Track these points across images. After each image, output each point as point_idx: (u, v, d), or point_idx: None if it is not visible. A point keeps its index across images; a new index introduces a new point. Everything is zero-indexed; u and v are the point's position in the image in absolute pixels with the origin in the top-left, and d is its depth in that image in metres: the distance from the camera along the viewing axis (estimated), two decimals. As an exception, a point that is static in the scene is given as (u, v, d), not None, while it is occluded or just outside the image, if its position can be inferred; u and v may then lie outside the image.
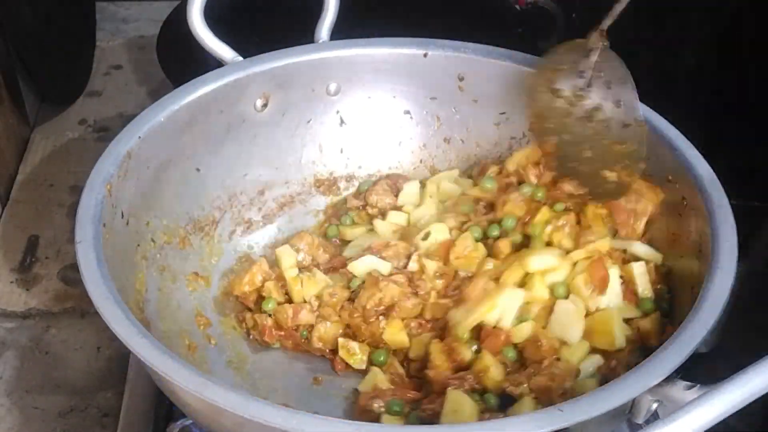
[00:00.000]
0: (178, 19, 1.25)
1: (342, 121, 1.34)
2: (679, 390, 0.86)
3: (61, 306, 1.47)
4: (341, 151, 1.36)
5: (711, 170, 1.09)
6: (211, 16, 1.24)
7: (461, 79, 1.31)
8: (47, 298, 1.49)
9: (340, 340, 1.16)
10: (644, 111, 1.17)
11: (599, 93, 1.15)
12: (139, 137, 1.12)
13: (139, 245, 1.12)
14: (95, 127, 1.88)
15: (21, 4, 1.72)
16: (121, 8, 2.28)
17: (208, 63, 1.27)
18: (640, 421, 0.91)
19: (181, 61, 1.39)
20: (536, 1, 2.02)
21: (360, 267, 1.19)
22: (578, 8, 1.83)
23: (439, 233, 1.21)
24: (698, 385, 0.85)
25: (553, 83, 1.17)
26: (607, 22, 1.14)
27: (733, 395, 0.80)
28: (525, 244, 1.18)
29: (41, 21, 1.80)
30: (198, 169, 1.23)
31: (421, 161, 1.38)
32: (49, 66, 1.85)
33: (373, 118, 1.35)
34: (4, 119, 1.72)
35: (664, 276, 1.14)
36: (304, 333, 1.17)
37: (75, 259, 0.97)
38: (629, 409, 0.89)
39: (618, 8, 1.12)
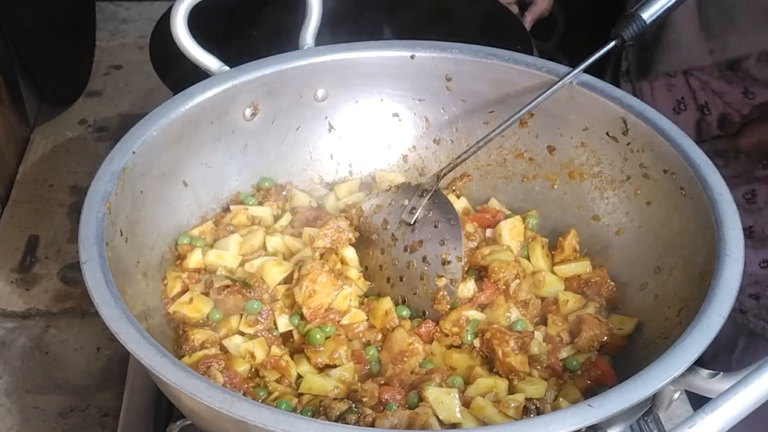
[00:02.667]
0: (169, 21, 1.24)
1: (331, 127, 1.34)
2: (703, 378, 0.87)
3: (61, 306, 1.49)
4: (331, 157, 1.36)
5: (707, 158, 1.10)
6: (194, 26, 1.24)
7: (449, 79, 1.31)
8: (47, 298, 1.50)
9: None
10: (637, 104, 1.18)
11: (425, 230, 1.18)
12: (134, 152, 1.11)
13: (138, 262, 1.12)
14: (95, 127, 1.89)
15: (21, 4, 1.74)
16: (121, 8, 2.29)
17: (199, 66, 1.26)
18: (662, 411, 0.92)
19: (174, 63, 1.38)
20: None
21: None
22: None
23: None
24: (721, 373, 0.86)
25: (386, 213, 1.21)
26: (444, 171, 1.21)
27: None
28: None
29: (41, 21, 1.82)
30: (189, 182, 1.23)
31: (411, 163, 1.38)
32: (49, 66, 1.86)
33: (362, 122, 1.35)
34: (4, 119, 1.73)
35: None
36: None
37: (75, 259, 0.96)
38: (651, 400, 0.91)
39: (458, 161, 1.21)
